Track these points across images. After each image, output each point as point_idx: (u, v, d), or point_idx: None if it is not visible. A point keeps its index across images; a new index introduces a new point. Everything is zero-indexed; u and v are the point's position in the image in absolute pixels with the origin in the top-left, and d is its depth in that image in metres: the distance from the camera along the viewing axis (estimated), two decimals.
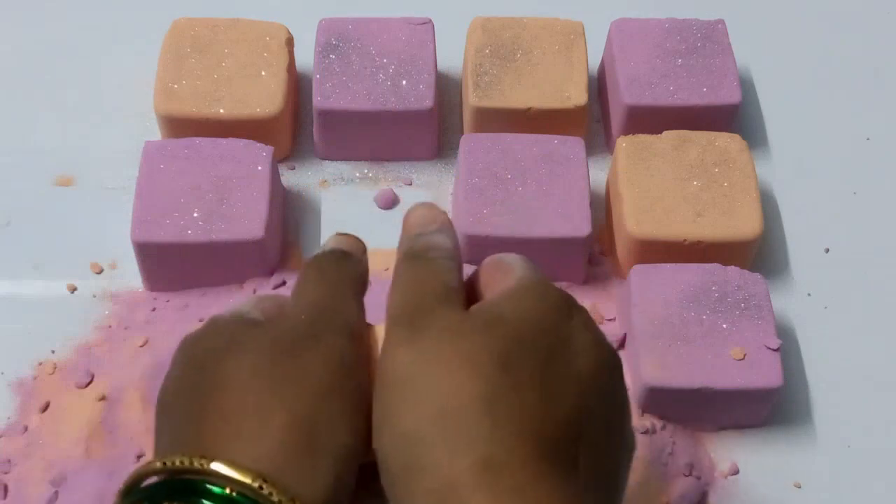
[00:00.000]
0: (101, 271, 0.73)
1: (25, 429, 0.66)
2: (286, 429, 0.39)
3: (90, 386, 0.68)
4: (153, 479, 0.39)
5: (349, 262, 0.48)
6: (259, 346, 0.41)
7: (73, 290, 0.72)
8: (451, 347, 0.39)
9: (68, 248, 0.74)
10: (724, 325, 0.66)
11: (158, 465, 0.39)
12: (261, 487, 0.37)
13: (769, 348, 0.65)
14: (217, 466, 0.37)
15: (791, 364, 0.70)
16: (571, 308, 0.42)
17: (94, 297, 0.72)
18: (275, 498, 0.37)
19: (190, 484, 0.38)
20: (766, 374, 0.65)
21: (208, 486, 0.37)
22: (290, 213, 0.76)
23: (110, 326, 0.71)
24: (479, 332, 0.40)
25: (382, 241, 0.74)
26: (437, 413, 0.38)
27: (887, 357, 0.72)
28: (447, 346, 0.39)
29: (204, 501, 0.37)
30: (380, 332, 0.45)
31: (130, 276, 0.72)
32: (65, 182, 0.77)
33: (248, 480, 0.37)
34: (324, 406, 0.40)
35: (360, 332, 0.44)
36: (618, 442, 0.40)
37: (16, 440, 0.66)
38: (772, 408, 0.67)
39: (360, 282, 0.48)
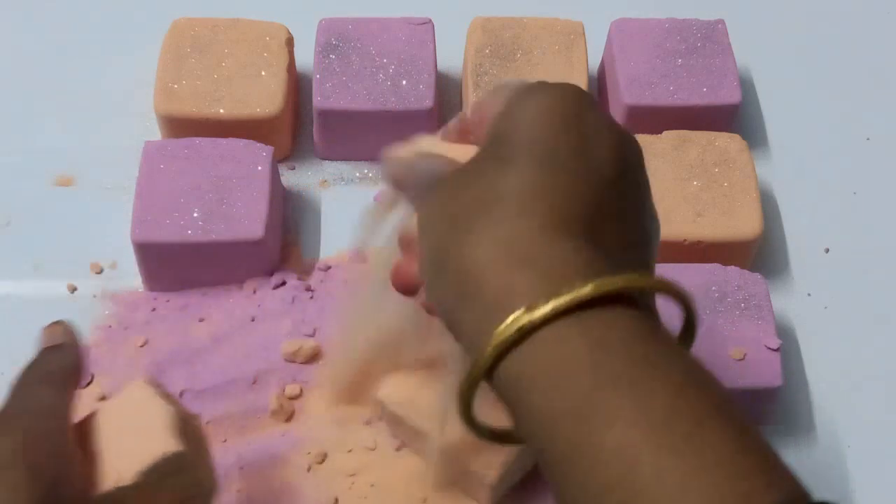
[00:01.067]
0: (101, 271, 0.73)
1: None
2: None
3: (90, 386, 0.67)
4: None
5: (53, 355, 0.52)
6: None
7: (73, 290, 0.72)
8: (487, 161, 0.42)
9: (68, 248, 0.74)
10: (724, 325, 0.66)
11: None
12: None
13: (769, 348, 0.65)
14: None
15: (791, 364, 0.70)
16: (584, 96, 0.44)
17: (94, 297, 0.72)
18: None
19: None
20: (765, 374, 0.65)
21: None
22: (290, 213, 0.76)
23: (110, 326, 0.71)
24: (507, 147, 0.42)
25: (382, 241, 0.74)
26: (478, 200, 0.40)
27: (887, 357, 0.72)
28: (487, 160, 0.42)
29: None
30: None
31: (130, 276, 0.72)
32: (65, 182, 0.77)
33: None
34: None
35: (51, 413, 0.46)
36: (643, 215, 0.44)
37: None
38: (771, 408, 0.67)
39: (68, 371, 0.51)
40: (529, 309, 0.37)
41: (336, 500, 0.63)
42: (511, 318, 0.37)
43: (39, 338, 0.52)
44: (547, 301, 0.37)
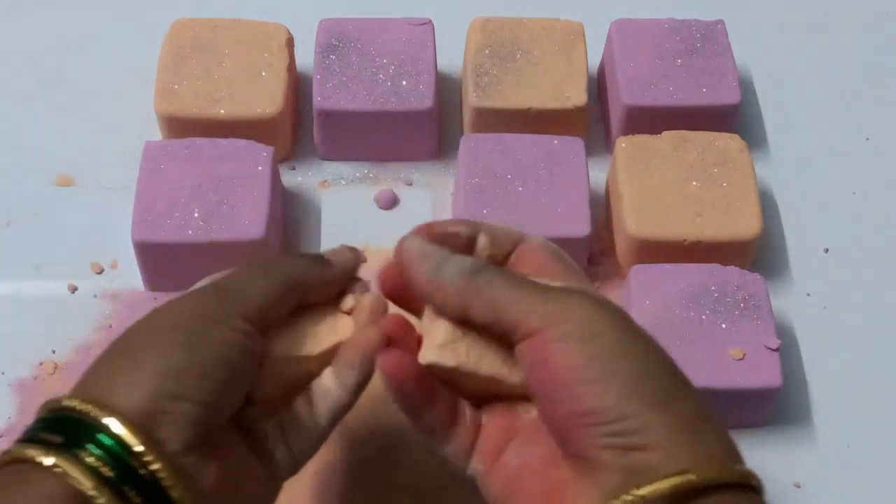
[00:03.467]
0: (101, 271, 0.73)
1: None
2: (150, 374, 0.44)
3: None
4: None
5: (307, 263, 0.53)
6: (177, 312, 0.48)
7: (74, 289, 0.72)
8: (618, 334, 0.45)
9: (69, 248, 0.74)
10: (724, 325, 0.66)
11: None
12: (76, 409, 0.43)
13: (768, 348, 0.66)
14: (70, 402, 0.44)
15: (790, 364, 0.70)
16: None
17: (95, 297, 0.72)
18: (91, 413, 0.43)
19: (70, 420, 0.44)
20: (765, 374, 0.65)
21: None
22: (290, 213, 0.76)
23: (111, 326, 0.71)
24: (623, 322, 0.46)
25: (382, 240, 0.74)
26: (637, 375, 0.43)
27: (887, 357, 0.72)
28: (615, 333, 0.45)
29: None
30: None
31: (131, 276, 0.72)
32: (65, 182, 0.77)
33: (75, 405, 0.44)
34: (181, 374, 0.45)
35: (261, 323, 0.49)
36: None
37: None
38: (771, 408, 0.67)
39: (321, 283, 0.52)
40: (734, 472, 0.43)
41: None
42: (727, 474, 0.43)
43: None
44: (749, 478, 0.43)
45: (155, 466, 0.42)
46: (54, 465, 0.41)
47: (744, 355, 0.65)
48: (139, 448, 0.42)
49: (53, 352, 0.69)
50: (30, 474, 0.42)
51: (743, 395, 0.65)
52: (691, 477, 0.41)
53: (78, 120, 0.80)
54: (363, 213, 0.76)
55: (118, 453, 0.42)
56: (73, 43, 0.84)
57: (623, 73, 0.77)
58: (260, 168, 0.71)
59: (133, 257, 0.70)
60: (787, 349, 0.70)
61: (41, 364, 0.69)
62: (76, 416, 0.43)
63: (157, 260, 0.70)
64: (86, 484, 0.41)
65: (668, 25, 0.79)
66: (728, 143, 0.74)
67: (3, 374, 0.69)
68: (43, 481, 0.41)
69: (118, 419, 0.43)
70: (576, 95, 0.76)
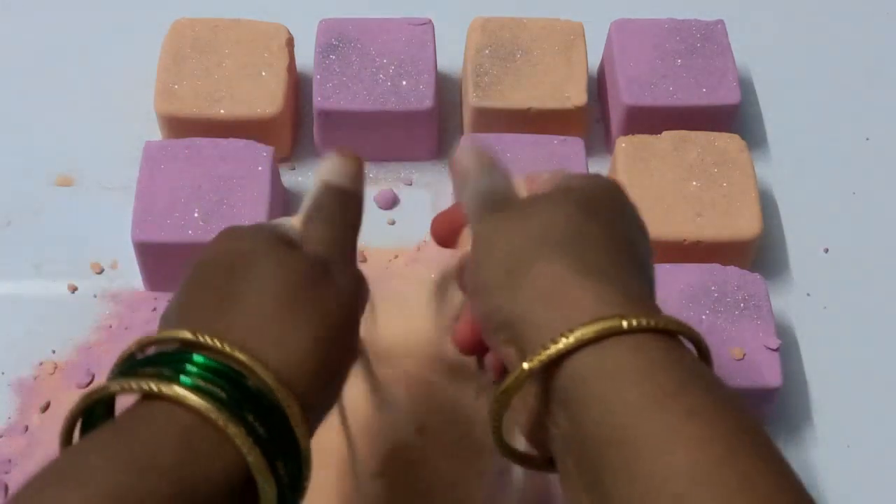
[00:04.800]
0: (101, 271, 0.73)
1: (26, 428, 0.66)
2: (307, 339, 0.45)
3: (91, 386, 0.68)
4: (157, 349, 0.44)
5: (350, 202, 0.53)
6: (292, 268, 0.47)
7: (74, 290, 0.72)
8: (539, 206, 0.47)
9: (69, 248, 0.74)
10: (724, 325, 0.66)
11: (180, 334, 0.43)
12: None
13: (768, 348, 0.66)
14: (217, 343, 0.43)
15: (790, 364, 0.70)
16: (619, 186, 0.50)
17: (95, 297, 0.72)
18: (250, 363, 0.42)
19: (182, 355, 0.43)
20: (765, 374, 0.65)
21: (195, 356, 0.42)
22: (290, 213, 0.76)
23: (111, 326, 0.71)
24: (562, 195, 0.48)
25: (382, 241, 0.74)
26: (539, 235, 0.45)
27: (887, 357, 0.72)
28: (535, 206, 0.47)
29: (188, 366, 0.42)
30: None
31: (131, 275, 0.72)
32: (65, 182, 0.77)
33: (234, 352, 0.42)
34: (330, 333, 0.46)
35: (359, 274, 0.51)
36: (650, 255, 0.50)
37: (16, 440, 0.66)
38: (771, 408, 0.67)
39: (359, 220, 0.53)
40: (614, 318, 0.41)
41: None
42: (601, 323, 0.41)
43: (326, 170, 0.54)
44: (632, 319, 0.41)
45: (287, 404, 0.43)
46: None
47: (744, 355, 0.65)
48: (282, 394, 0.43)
49: (53, 352, 0.69)
50: (159, 407, 0.41)
51: (743, 394, 0.65)
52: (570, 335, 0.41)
53: (78, 120, 0.80)
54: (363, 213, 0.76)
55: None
56: (73, 43, 0.84)
57: (623, 73, 0.77)
58: (260, 168, 0.71)
59: (133, 257, 0.70)
60: (787, 349, 0.70)
61: (41, 364, 0.69)
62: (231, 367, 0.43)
63: (157, 260, 0.70)
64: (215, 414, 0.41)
65: (668, 25, 0.79)
66: (728, 143, 0.74)
67: (3, 374, 0.69)
68: (177, 413, 0.41)
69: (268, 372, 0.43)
70: (576, 95, 0.76)
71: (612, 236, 0.46)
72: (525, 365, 0.41)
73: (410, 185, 0.78)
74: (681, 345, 0.43)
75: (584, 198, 0.47)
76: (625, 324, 0.41)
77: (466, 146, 0.53)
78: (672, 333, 0.42)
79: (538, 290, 0.43)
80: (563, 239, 0.45)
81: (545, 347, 0.41)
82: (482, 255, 0.47)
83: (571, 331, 0.41)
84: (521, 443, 0.46)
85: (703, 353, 0.45)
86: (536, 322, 0.43)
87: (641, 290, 0.45)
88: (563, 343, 0.41)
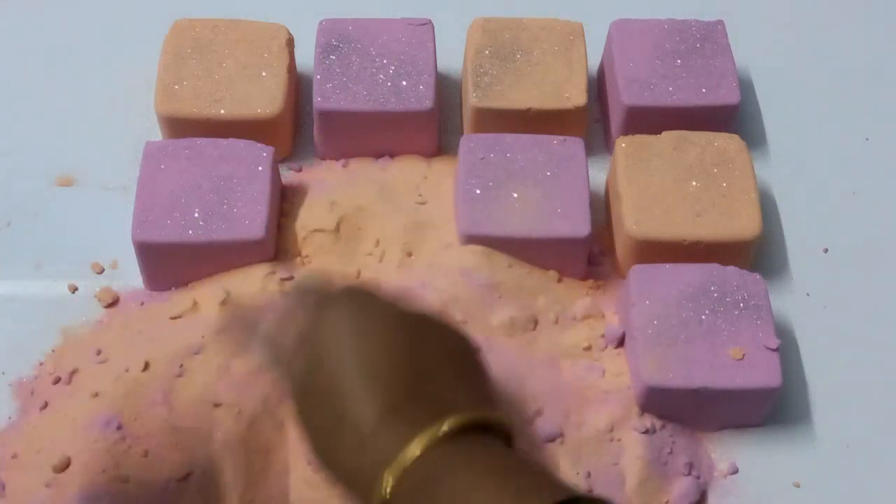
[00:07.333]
0: (101, 271, 0.73)
1: (26, 428, 0.66)
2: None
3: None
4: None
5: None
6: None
7: (74, 289, 0.72)
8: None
9: (69, 248, 0.74)
10: (724, 325, 0.66)
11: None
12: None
13: (768, 348, 0.66)
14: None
15: (790, 364, 0.70)
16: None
17: (95, 297, 0.72)
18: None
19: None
20: (765, 374, 0.65)
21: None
22: (289, 213, 0.76)
23: (111, 326, 0.71)
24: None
25: None
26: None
27: (886, 357, 0.72)
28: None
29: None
30: None
31: (131, 276, 0.72)
32: (65, 182, 0.77)
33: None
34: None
35: None
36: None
37: (16, 440, 0.66)
38: (771, 407, 0.67)
39: None
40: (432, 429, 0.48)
41: None
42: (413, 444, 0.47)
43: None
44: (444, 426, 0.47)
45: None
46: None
47: (743, 355, 0.65)
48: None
49: (53, 352, 0.69)
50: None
51: (743, 395, 0.65)
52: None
53: (78, 120, 0.80)
54: None
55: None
56: (73, 43, 0.84)
57: (623, 73, 0.77)
58: (260, 168, 0.71)
59: (133, 257, 0.70)
60: (787, 349, 0.70)
61: (41, 364, 0.69)
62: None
63: (157, 260, 0.70)
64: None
65: (667, 26, 0.79)
66: (728, 143, 0.74)
67: (3, 374, 0.69)
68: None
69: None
70: (576, 95, 0.76)
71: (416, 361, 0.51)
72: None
73: None
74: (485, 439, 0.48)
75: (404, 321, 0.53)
76: (419, 448, 0.47)
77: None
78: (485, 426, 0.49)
79: (352, 442, 0.49)
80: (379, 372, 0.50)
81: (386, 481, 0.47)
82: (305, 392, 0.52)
83: (387, 474, 0.47)
84: None
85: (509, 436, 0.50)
86: (364, 470, 0.48)
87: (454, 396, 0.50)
88: (386, 484, 0.47)
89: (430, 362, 0.51)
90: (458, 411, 0.48)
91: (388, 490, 0.47)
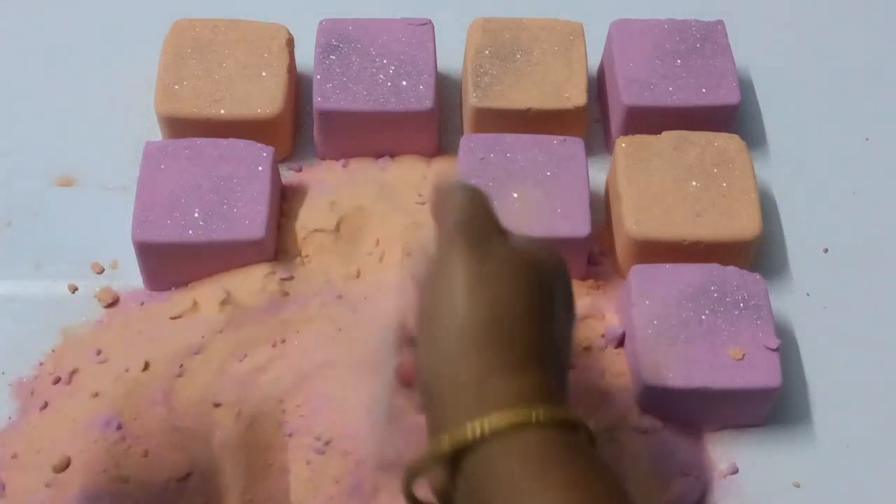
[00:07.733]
0: (102, 271, 0.73)
1: (26, 428, 0.66)
2: None
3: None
4: None
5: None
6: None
7: (74, 289, 0.72)
8: (506, 276, 0.50)
9: (69, 247, 0.74)
10: (724, 325, 0.66)
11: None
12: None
13: (768, 348, 0.66)
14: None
15: (790, 364, 0.70)
16: (564, 264, 0.54)
17: (95, 297, 0.72)
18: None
19: None
20: (764, 374, 0.65)
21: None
22: (289, 213, 0.76)
23: (111, 326, 0.71)
24: (524, 272, 0.50)
25: None
26: (482, 318, 0.48)
27: (886, 357, 0.72)
28: (504, 273, 0.50)
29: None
30: None
31: (131, 276, 0.72)
32: (65, 182, 0.77)
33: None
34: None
35: None
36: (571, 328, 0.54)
37: (16, 440, 0.66)
38: (771, 407, 0.67)
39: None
40: (525, 411, 0.46)
41: None
42: (513, 416, 0.46)
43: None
44: (540, 412, 0.46)
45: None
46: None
47: (743, 355, 0.65)
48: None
49: (53, 352, 0.69)
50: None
51: (743, 395, 0.65)
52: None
53: (78, 120, 0.80)
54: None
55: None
56: (73, 43, 0.84)
57: (623, 73, 0.77)
58: (260, 168, 0.71)
59: (133, 257, 0.70)
60: (787, 349, 0.70)
61: (41, 364, 0.69)
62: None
63: (157, 260, 0.70)
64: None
65: (667, 26, 0.79)
66: (728, 143, 0.74)
67: (3, 374, 0.69)
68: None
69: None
70: (576, 95, 0.76)
71: (542, 322, 0.50)
72: (438, 446, 0.46)
73: None
74: (578, 436, 0.47)
75: (536, 280, 0.50)
76: (534, 417, 0.46)
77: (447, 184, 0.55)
78: (574, 425, 0.47)
79: (463, 376, 0.47)
80: (502, 329, 0.48)
81: (458, 435, 0.46)
82: (428, 319, 0.50)
83: (486, 421, 0.45)
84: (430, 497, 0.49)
85: (593, 439, 0.49)
86: (455, 405, 0.47)
87: (551, 383, 0.49)
88: (478, 430, 0.45)
89: (542, 323, 0.50)
90: (553, 401, 0.47)
91: (479, 433, 0.45)
